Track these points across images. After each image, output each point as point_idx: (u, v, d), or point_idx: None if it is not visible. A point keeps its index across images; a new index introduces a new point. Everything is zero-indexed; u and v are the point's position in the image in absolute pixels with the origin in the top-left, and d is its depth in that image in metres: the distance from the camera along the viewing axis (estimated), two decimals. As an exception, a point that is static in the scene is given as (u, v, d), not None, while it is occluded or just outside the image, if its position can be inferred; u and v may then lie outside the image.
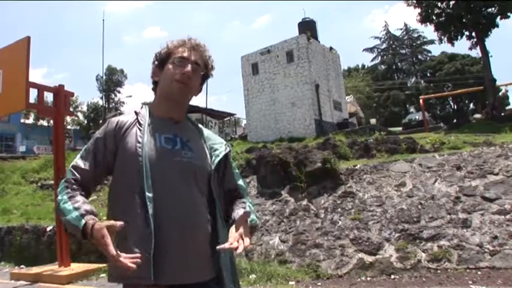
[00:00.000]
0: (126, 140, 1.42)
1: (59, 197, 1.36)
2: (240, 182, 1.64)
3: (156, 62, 1.56)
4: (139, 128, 1.45)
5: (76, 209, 1.28)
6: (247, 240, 1.31)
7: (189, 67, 1.47)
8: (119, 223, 1.21)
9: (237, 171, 1.67)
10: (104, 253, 1.19)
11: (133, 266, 1.16)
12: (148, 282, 1.26)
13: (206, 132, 1.65)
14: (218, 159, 1.54)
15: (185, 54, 1.50)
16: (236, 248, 1.27)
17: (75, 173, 1.42)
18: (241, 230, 1.34)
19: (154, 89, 1.59)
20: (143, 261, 1.24)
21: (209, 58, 1.58)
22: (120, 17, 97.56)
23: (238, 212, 1.47)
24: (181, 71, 1.47)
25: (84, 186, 1.41)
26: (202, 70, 1.55)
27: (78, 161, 1.46)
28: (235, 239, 1.30)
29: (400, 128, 26.72)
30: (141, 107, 1.58)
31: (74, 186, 1.38)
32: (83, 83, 73.47)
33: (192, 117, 1.70)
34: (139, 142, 1.40)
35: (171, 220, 1.34)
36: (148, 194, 1.32)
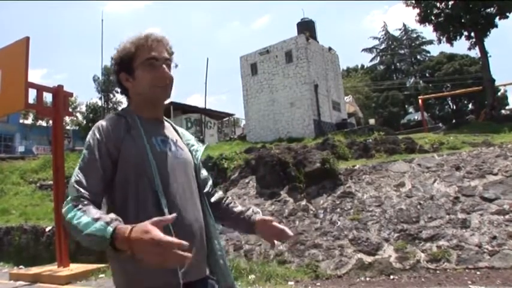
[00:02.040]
0: (127, 145, 1.35)
1: (69, 215, 1.18)
2: (205, 171, 1.67)
3: (118, 67, 1.46)
4: (135, 132, 1.38)
5: (96, 219, 1.11)
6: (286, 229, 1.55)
7: (165, 68, 1.43)
8: (170, 216, 1.09)
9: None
10: (148, 254, 0.99)
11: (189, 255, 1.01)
12: (178, 285, 1.23)
13: (179, 128, 1.66)
14: (199, 153, 1.58)
15: (154, 54, 1.42)
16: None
17: (81, 190, 1.24)
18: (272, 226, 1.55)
19: (124, 93, 1.51)
20: (168, 268, 1.20)
21: (168, 45, 1.52)
22: (120, 17, 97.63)
23: (254, 213, 1.63)
24: (158, 75, 1.42)
25: (94, 202, 1.24)
26: (172, 61, 1.51)
27: (79, 175, 1.27)
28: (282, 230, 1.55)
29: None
30: (123, 110, 1.51)
31: (85, 202, 1.21)
32: (83, 84, 73.47)
33: (167, 118, 1.69)
34: (142, 147, 1.35)
35: (184, 222, 1.34)
36: (163, 200, 1.30)
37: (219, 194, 1.69)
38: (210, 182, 1.67)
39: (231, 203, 1.69)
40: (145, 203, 1.30)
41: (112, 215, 1.13)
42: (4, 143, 35.58)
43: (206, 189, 1.61)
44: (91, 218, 1.13)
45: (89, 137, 1.37)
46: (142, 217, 1.19)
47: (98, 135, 1.34)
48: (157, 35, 1.47)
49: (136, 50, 1.42)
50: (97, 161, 1.30)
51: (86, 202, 1.21)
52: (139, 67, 1.42)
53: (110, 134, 1.35)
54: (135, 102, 1.50)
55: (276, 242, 1.58)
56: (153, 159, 1.33)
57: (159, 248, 0.98)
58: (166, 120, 1.61)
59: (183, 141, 1.57)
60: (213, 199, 1.64)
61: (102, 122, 1.41)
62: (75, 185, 1.25)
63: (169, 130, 1.55)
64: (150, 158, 1.33)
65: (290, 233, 1.54)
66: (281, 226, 1.55)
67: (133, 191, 1.31)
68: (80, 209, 1.18)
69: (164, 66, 1.44)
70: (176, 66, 1.61)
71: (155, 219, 1.04)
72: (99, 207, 1.24)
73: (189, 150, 1.56)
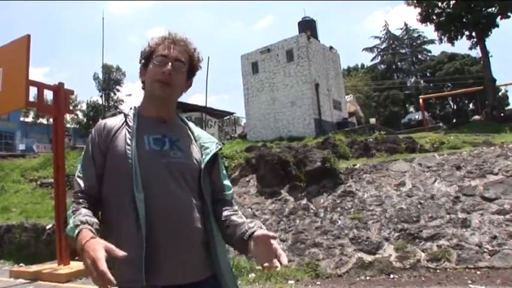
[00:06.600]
0: (115, 142, 1.42)
1: (68, 212, 1.36)
2: (226, 182, 1.59)
3: (142, 61, 1.54)
4: (128, 130, 1.43)
5: (74, 221, 1.26)
6: (283, 256, 1.21)
7: (168, 66, 1.44)
8: (121, 253, 1.14)
9: (225, 172, 1.62)
10: (88, 266, 1.13)
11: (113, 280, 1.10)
12: (141, 284, 1.25)
13: (197, 130, 1.63)
14: (208, 157, 1.52)
15: (165, 52, 1.46)
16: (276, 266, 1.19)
17: (80, 184, 1.40)
18: (271, 247, 1.23)
19: (143, 88, 1.57)
20: (135, 264, 1.24)
21: (194, 51, 1.54)
22: (124, 17, 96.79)
23: (250, 227, 1.35)
24: (161, 71, 1.44)
25: (91, 194, 1.39)
26: (186, 65, 1.50)
27: (80, 170, 1.44)
28: (271, 257, 1.20)
29: None
30: (131, 108, 1.56)
31: (80, 200, 1.37)
32: (84, 82, 73.37)
33: (183, 116, 1.68)
34: (128, 144, 1.39)
35: (163, 221, 1.33)
36: (138, 195, 1.31)
37: (228, 211, 1.48)
38: (225, 192, 1.55)
39: (232, 215, 1.47)
40: (124, 196, 1.34)
41: (84, 218, 1.26)
42: (5, 141, 35.54)
43: (217, 197, 1.51)
44: (72, 219, 1.28)
45: (89, 136, 1.50)
46: (121, 210, 1.34)
47: (93, 135, 1.48)
48: (177, 36, 1.52)
49: (155, 46, 1.50)
50: (91, 158, 1.44)
51: (80, 200, 1.36)
52: (151, 63, 1.49)
53: (103, 133, 1.46)
54: (143, 99, 1.57)
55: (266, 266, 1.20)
56: (137, 156, 1.36)
57: (90, 267, 1.12)
58: (183, 121, 1.62)
59: (196, 143, 1.55)
60: (218, 214, 1.48)
61: (100, 122, 1.53)
62: (76, 179, 1.43)
63: (174, 130, 1.53)
64: (134, 155, 1.36)
65: (285, 261, 1.20)
66: (280, 250, 1.21)
67: (115, 183, 1.38)
68: (73, 207, 1.34)
69: (170, 64, 1.45)
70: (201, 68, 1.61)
71: (109, 246, 1.14)
72: (94, 198, 1.40)
73: (201, 153, 1.53)
